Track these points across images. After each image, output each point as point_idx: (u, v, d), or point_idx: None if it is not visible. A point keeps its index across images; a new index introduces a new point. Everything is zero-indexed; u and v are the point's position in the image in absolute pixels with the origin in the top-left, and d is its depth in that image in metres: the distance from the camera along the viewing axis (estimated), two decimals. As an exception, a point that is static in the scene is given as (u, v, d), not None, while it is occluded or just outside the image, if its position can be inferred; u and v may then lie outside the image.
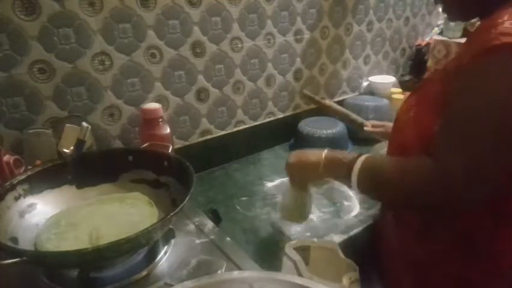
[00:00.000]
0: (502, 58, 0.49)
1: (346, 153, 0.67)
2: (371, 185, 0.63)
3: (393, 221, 0.74)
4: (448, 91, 0.56)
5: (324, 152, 0.69)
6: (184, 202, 0.61)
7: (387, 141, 1.18)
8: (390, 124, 1.03)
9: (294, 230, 0.85)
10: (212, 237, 0.73)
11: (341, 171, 0.65)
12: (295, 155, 0.73)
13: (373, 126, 1.03)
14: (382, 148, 1.17)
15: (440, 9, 0.67)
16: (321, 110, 1.13)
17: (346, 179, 0.64)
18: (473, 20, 0.65)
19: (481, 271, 0.62)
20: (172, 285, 0.59)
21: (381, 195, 0.66)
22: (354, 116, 1.09)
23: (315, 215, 0.90)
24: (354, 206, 0.93)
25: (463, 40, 1.51)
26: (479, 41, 0.53)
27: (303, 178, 0.74)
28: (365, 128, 1.04)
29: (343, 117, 1.11)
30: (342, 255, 0.70)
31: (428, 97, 0.62)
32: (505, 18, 0.50)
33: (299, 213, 0.78)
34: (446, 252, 0.65)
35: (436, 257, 0.66)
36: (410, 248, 0.70)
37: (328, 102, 1.09)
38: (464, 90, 0.53)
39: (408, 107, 0.68)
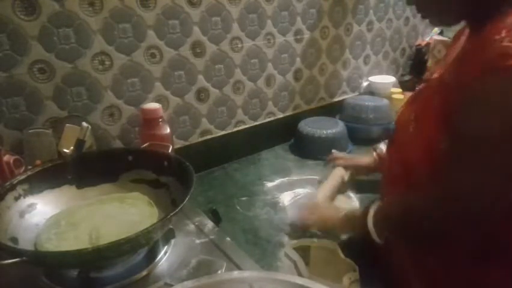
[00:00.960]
0: (505, 82, 0.49)
1: (355, 213, 0.72)
2: (392, 233, 0.66)
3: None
4: (449, 107, 0.56)
5: (340, 214, 0.75)
6: (184, 202, 0.61)
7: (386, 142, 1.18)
8: (349, 156, 1.01)
9: (294, 230, 0.85)
10: (212, 237, 0.73)
11: (358, 229, 0.70)
12: (317, 215, 0.80)
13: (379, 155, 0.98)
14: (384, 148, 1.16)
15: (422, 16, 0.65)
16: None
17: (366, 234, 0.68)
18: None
19: (492, 279, 0.61)
20: (172, 285, 0.59)
21: (406, 238, 0.68)
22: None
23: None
24: (354, 206, 0.93)
25: (460, 41, 1.51)
26: (479, 59, 0.53)
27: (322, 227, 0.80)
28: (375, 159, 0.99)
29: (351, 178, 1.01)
30: (342, 255, 0.70)
31: (428, 111, 0.61)
32: (503, 34, 0.49)
33: None
34: (457, 258, 0.64)
35: (447, 264, 0.65)
36: (420, 255, 0.69)
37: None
38: (469, 114, 0.53)
39: (406, 120, 0.67)
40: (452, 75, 0.59)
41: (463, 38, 0.67)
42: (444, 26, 0.66)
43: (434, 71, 0.70)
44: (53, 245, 0.63)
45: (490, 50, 0.50)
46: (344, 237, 0.82)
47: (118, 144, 0.99)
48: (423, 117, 0.62)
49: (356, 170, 0.99)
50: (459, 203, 0.54)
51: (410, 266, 0.72)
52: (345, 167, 0.99)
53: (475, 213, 0.54)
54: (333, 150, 1.08)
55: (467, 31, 0.64)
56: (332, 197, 0.92)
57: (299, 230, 0.82)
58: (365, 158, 1.00)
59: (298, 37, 1.24)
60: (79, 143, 0.75)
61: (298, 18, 1.22)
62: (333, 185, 0.94)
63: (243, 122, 1.22)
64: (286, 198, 0.97)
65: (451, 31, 1.55)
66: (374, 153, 0.98)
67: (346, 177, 0.98)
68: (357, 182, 1.00)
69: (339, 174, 0.98)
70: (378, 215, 0.67)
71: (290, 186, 1.03)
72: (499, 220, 0.58)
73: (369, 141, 1.24)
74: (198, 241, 0.72)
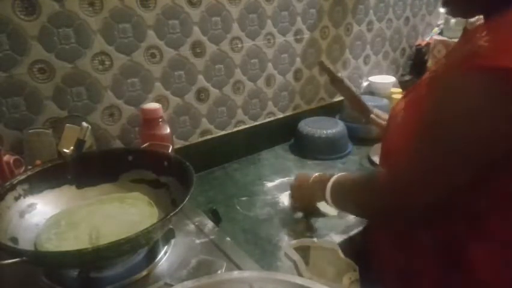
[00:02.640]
0: (472, 79, 0.49)
1: (326, 175, 0.76)
2: (339, 201, 0.72)
3: (376, 227, 0.75)
4: (428, 96, 0.57)
5: (312, 176, 0.81)
6: (184, 202, 0.61)
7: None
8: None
9: (294, 229, 0.85)
10: (212, 237, 0.73)
11: (319, 188, 0.75)
12: (294, 180, 0.89)
13: (377, 115, 1.04)
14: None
15: (441, 6, 0.65)
16: (332, 82, 1.08)
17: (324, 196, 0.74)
18: (472, 20, 0.64)
19: (460, 281, 0.61)
20: (172, 285, 0.59)
21: (350, 210, 0.75)
22: (362, 100, 1.06)
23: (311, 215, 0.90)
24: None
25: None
26: (458, 54, 0.54)
27: (305, 201, 0.87)
28: (371, 116, 1.04)
29: (352, 98, 1.07)
30: (342, 255, 0.70)
31: (416, 102, 0.62)
32: (484, 33, 0.49)
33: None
34: (426, 260, 0.64)
35: (417, 265, 0.66)
36: (393, 255, 0.70)
37: (342, 77, 1.05)
38: (434, 101, 0.55)
39: (397, 111, 0.68)
40: (440, 68, 0.59)
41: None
42: (464, 16, 0.67)
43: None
44: (53, 245, 0.63)
45: (467, 47, 0.51)
46: (343, 237, 0.82)
47: (118, 144, 0.99)
48: (412, 108, 0.63)
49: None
50: (400, 184, 0.57)
51: (385, 262, 0.72)
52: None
53: (411, 199, 0.56)
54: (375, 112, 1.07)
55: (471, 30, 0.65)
56: None
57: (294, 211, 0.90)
58: None
59: (298, 37, 1.24)
60: (79, 143, 0.75)
61: (298, 18, 1.22)
62: None
63: (243, 122, 1.22)
64: (286, 198, 0.97)
65: (451, 31, 1.55)
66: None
67: None
68: None
69: None
70: (336, 184, 0.72)
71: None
72: (461, 222, 0.59)
73: (369, 141, 1.24)
74: (198, 241, 0.72)
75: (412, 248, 0.66)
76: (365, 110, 1.06)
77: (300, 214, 0.90)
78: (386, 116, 1.04)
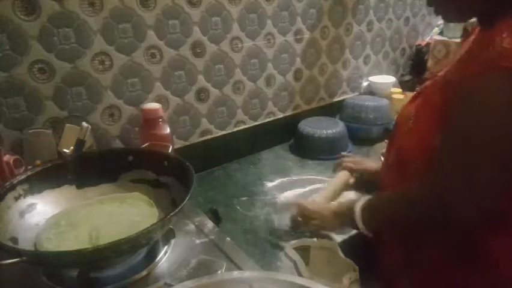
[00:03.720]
0: (500, 82, 0.49)
1: (348, 203, 0.73)
2: (374, 226, 0.68)
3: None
4: (447, 103, 0.56)
5: (333, 207, 0.77)
6: (184, 202, 0.61)
7: (386, 141, 1.18)
8: (368, 162, 0.99)
9: (294, 229, 0.85)
10: (212, 237, 0.73)
11: (346, 220, 0.71)
12: (309, 207, 0.79)
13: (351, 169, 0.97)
14: (382, 148, 1.17)
15: (435, 13, 0.65)
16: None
17: (354, 225, 0.70)
18: (473, 20, 0.64)
19: (478, 280, 0.61)
20: (172, 285, 0.59)
21: (392, 231, 0.71)
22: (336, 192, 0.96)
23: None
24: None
25: (466, 40, 1.50)
26: (479, 58, 0.54)
27: (319, 228, 0.79)
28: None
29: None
30: (342, 255, 0.70)
31: (428, 107, 0.62)
32: (504, 35, 0.50)
33: None
34: (442, 259, 0.64)
35: (433, 265, 0.66)
36: (407, 254, 0.70)
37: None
38: (462, 110, 0.54)
39: (407, 115, 0.67)
40: (455, 74, 0.59)
41: (472, 38, 0.67)
42: (456, 21, 0.67)
43: (440, 69, 0.71)
44: (53, 245, 0.63)
45: (490, 50, 0.51)
46: (343, 237, 0.82)
47: (118, 144, 0.99)
48: (423, 113, 0.63)
49: (363, 175, 0.96)
50: (442, 201, 0.56)
51: (400, 264, 0.72)
52: (353, 171, 0.96)
53: (456, 213, 0.55)
54: (343, 153, 1.06)
55: (476, 31, 0.65)
56: (332, 198, 0.91)
57: (294, 229, 0.83)
58: (373, 163, 0.96)
59: (298, 37, 1.24)
60: (79, 143, 0.75)
61: (298, 18, 1.22)
62: (335, 187, 0.92)
63: (243, 122, 1.22)
64: (284, 198, 0.98)
65: (451, 31, 1.55)
66: (382, 158, 0.97)
67: (351, 180, 0.95)
68: (366, 182, 0.97)
69: (343, 177, 0.95)
70: (367, 207, 0.68)
71: (290, 186, 1.03)
72: (482, 227, 0.58)
73: (369, 141, 1.25)
74: (198, 241, 0.72)
75: (428, 246, 0.66)
76: (374, 173, 0.94)
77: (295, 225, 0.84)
78: (358, 160, 0.98)
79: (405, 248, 0.70)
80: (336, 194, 0.92)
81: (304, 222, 0.80)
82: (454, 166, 0.55)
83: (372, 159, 1.01)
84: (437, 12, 0.64)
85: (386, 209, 0.67)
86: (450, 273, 0.64)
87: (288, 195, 0.99)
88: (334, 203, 0.78)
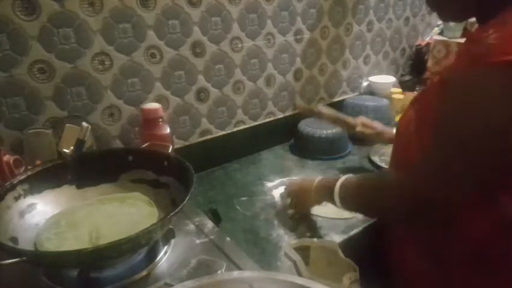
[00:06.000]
0: (484, 78, 0.50)
1: (332, 178, 0.76)
2: (351, 203, 0.72)
3: (401, 234, 0.74)
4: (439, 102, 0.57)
5: (316, 180, 0.80)
6: (184, 202, 0.61)
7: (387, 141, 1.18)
8: (380, 125, 1.05)
9: (294, 229, 0.85)
10: (212, 237, 0.73)
11: (326, 194, 0.75)
12: (293, 183, 0.87)
13: (363, 125, 1.06)
14: (382, 148, 1.17)
15: (433, 10, 0.66)
16: (316, 117, 1.12)
17: (332, 200, 0.74)
18: (472, 20, 0.64)
19: (491, 283, 0.61)
20: (172, 285, 0.59)
21: (362, 211, 0.75)
22: (345, 118, 1.09)
23: (315, 215, 0.90)
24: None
25: (463, 40, 1.51)
26: (467, 54, 0.55)
27: (301, 204, 0.86)
28: (356, 130, 1.06)
29: (335, 121, 1.11)
30: (342, 255, 0.70)
31: (427, 109, 0.62)
32: (490, 31, 0.50)
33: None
34: (454, 266, 0.64)
35: (445, 272, 0.65)
36: (419, 260, 0.69)
37: (318, 109, 1.09)
38: (448, 106, 0.55)
39: (408, 120, 0.67)
40: (449, 73, 0.59)
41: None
42: (454, 21, 0.68)
43: (440, 69, 0.72)
44: (53, 245, 0.63)
45: (476, 47, 0.52)
46: (343, 237, 0.82)
47: (118, 144, 0.99)
48: (424, 117, 0.63)
49: (376, 138, 1.07)
50: (412, 190, 0.57)
51: (408, 266, 0.72)
52: (365, 127, 1.05)
53: (424, 203, 0.56)
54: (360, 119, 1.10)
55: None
56: (333, 121, 1.08)
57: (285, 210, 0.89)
58: (387, 132, 1.05)
59: (298, 37, 1.24)
60: (79, 143, 0.75)
61: (298, 18, 1.22)
62: (340, 117, 1.06)
63: (243, 122, 1.22)
64: (278, 194, 1.00)
65: (451, 31, 1.55)
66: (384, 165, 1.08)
67: (358, 129, 1.06)
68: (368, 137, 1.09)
69: (352, 120, 1.07)
70: (346, 185, 0.71)
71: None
72: (487, 230, 0.58)
73: (369, 142, 1.24)
74: (198, 241, 0.72)
75: (441, 254, 0.66)
76: (350, 127, 1.09)
77: (291, 212, 0.89)
78: (372, 124, 1.06)
79: (415, 256, 0.70)
80: (335, 120, 1.08)
81: (292, 202, 0.87)
82: (430, 157, 0.56)
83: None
84: (435, 11, 0.65)
85: (362, 190, 0.69)
86: (462, 281, 0.64)
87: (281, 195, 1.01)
88: (317, 178, 0.81)
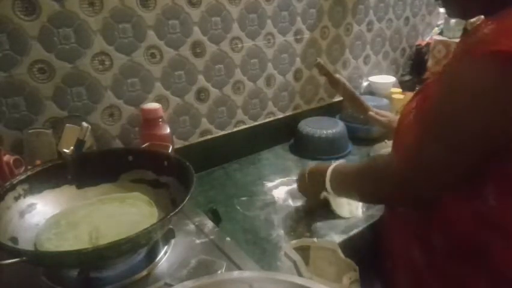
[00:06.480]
0: (477, 67, 0.50)
1: (323, 164, 0.79)
2: (341, 188, 0.75)
3: (393, 222, 0.74)
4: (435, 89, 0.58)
5: (309, 166, 0.84)
6: (184, 202, 0.61)
7: (387, 141, 1.18)
8: (393, 115, 1.05)
9: (294, 229, 0.85)
10: (212, 237, 0.73)
11: (318, 180, 0.77)
12: (299, 176, 0.89)
13: (376, 113, 1.05)
14: (382, 148, 1.17)
15: (440, 7, 0.67)
16: (330, 83, 1.08)
17: (323, 186, 0.76)
18: (473, 20, 0.65)
19: (483, 279, 0.61)
20: (172, 285, 0.59)
21: (352, 196, 0.76)
22: (361, 98, 1.08)
23: (315, 215, 0.90)
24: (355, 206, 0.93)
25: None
26: (462, 45, 0.56)
27: (307, 192, 0.90)
28: (369, 113, 1.04)
29: (349, 97, 1.08)
30: (342, 255, 0.70)
31: (427, 100, 0.62)
32: (489, 22, 0.51)
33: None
34: (445, 257, 0.64)
35: (436, 262, 0.66)
36: (409, 251, 0.70)
37: (338, 76, 1.06)
38: (436, 93, 0.56)
39: (408, 110, 0.68)
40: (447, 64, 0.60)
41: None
42: (463, 18, 0.69)
43: (440, 69, 0.72)
44: (53, 245, 0.63)
45: (473, 37, 0.52)
46: (343, 237, 0.82)
47: (118, 144, 0.99)
48: (423, 106, 0.63)
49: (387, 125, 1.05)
50: (401, 176, 0.58)
51: (399, 258, 0.72)
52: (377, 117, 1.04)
53: (411, 190, 0.58)
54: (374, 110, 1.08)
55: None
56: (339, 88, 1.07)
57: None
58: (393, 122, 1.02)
59: (298, 37, 1.24)
60: (79, 143, 0.75)
61: (298, 18, 1.22)
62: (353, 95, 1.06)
63: (243, 122, 1.22)
64: (280, 194, 1.00)
65: (451, 31, 1.55)
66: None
67: (370, 112, 1.04)
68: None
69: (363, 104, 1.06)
70: (338, 171, 0.74)
71: (290, 186, 1.03)
72: (468, 218, 0.59)
73: (369, 141, 1.25)
74: (198, 241, 0.72)
75: (431, 244, 0.65)
76: (363, 109, 1.06)
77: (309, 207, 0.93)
78: (385, 113, 1.05)
79: (406, 246, 0.70)
80: (350, 96, 1.07)
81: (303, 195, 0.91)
82: (418, 144, 0.56)
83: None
84: (443, 7, 0.65)
85: (353, 176, 0.71)
86: (452, 271, 0.64)
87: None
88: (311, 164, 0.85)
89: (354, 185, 0.71)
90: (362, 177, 0.69)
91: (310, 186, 0.84)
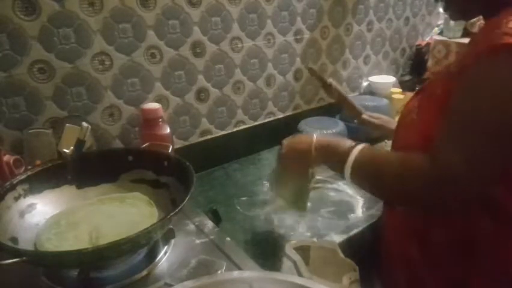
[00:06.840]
0: (505, 58, 0.49)
1: (341, 140, 0.66)
2: (367, 178, 0.63)
3: (392, 220, 0.74)
4: (451, 91, 0.56)
5: (315, 137, 0.68)
6: (184, 202, 0.61)
7: (387, 141, 1.18)
8: (387, 117, 1.05)
9: (294, 229, 0.85)
10: (212, 237, 0.73)
11: (334, 158, 0.65)
12: (287, 144, 0.73)
13: (369, 116, 1.04)
14: (381, 148, 1.17)
15: (441, 9, 0.67)
16: (323, 88, 1.07)
17: (339, 167, 0.63)
18: (473, 20, 0.65)
19: (481, 276, 0.61)
20: (172, 285, 0.59)
21: (377, 190, 0.65)
22: (353, 102, 1.07)
23: (315, 215, 0.90)
24: (355, 206, 0.93)
25: (463, 40, 1.51)
26: (484, 41, 0.54)
27: (297, 166, 0.72)
28: (362, 116, 1.04)
29: (342, 101, 1.08)
30: (342, 255, 0.70)
31: (431, 98, 0.62)
32: (510, 17, 0.51)
33: (300, 204, 0.79)
34: (444, 254, 0.64)
35: (434, 260, 0.66)
36: (408, 249, 0.70)
37: (330, 81, 1.06)
38: (467, 90, 0.54)
39: (410, 109, 0.68)
40: (457, 65, 0.59)
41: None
42: (464, 19, 0.68)
43: (440, 69, 0.72)
44: (53, 245, 0.63)
45: (495, 32, 0.51)
46: (343, 237, 0.82)
47: (118, 144, 0.99)
48: (426, 105, 0.63)
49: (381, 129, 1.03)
50: (451, 174, 0.53)
51: (398, 257, 0.72)
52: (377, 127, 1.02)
53: (468, 189, 0.54)
54: (366, 113, 1.06)
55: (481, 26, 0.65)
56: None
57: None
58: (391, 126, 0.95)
59: (298, 37, 1.24)
60: (79, 143, 0.75)
61: (298, 18, 1.22)
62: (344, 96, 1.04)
63: (243, 122, 1.22)
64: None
65: (451, 31, 1.55)
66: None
67: (364, 116, 1.04)
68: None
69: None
70: (363, 163, 0.62)
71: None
72: (471, 218, 0.59)
73: (369, 141, 1.24)
74: (198, 241, 0.72)
75: (431, 241, 0.65)
76: (356, 111, 1.06)
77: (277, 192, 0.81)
78: (378, 115, 1.05)
79: (405, 244, 0.70)
80: (343, 100, 1.05)
81: (288, 160, 0.73)
82: (456, 145, 0.54)
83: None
84: (444, 9, 0.65)
85: (380, 167, 0.61)
86: (451, 269, 0.64)
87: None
88: (315, 135, 0.70)
89: (383, 175, 0.61)
90: (402, 169, 0.58)
91: (312, 159, 0.68)
